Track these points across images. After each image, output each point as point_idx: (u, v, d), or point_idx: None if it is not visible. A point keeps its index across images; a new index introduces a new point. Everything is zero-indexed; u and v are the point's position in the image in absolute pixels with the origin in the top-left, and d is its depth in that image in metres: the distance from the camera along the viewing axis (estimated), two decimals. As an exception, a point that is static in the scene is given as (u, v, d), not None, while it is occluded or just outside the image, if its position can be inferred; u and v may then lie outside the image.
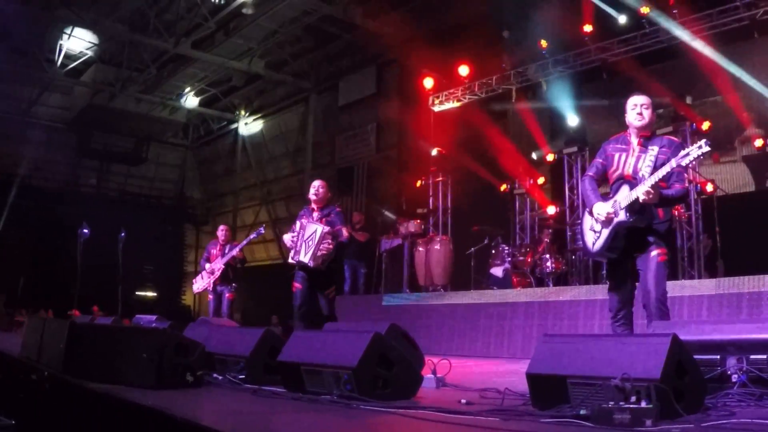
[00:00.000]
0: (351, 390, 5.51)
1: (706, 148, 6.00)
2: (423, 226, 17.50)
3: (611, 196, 6.72)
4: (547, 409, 4.80)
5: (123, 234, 17.19)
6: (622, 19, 16.07)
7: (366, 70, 25.02)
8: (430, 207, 18.37)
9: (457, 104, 19.30)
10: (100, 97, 29.86)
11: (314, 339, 6.41)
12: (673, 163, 6.20)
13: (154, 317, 12.36)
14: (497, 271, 15.19)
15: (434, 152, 18.98)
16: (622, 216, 6.50)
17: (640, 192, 6.29)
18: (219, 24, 23.65)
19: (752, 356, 5.41)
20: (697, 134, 14.43)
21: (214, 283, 14.30)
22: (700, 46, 14.97)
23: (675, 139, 6.73)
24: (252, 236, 14.49)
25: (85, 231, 17.82)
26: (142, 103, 31.15)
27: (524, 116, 18.26)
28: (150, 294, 33.44)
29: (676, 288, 11.01)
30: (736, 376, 5.45)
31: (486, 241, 16.00)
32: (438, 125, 19.71)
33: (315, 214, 10.09)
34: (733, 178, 15.69)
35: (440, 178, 18.34)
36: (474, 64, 18.83)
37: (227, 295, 14.40)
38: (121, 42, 26.10)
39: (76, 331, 6.77)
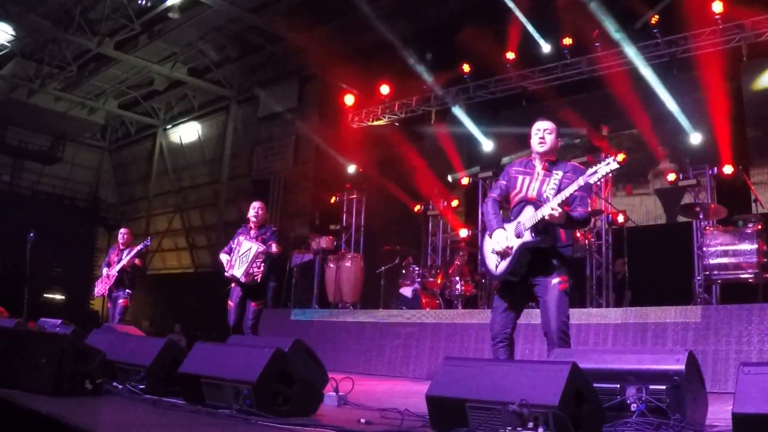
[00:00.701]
0: (250, 405, 5.50)
1: (615, 165, 6.05)
2: (335, 243, 17.49)
3: (513, 218, 6.71)
4: (446, 431, 4.82)
5: (32, 234, 16.90)
6: (547, 48, 16.25)
7: (288, 83, 24.98)
8: (344, 224, 18.36)
9: (376, 123, 19.37)
10: (18, 92, 29.39)
11: (216, 352, 6.38)
12: (580, 180, 6.18)
13: (59, 321, 12.15)
14: (407, 291, 15.21)
15: (351, 169, 19.03)
16: (527, 236, 6.46)
17: (547, 210, 6.28)
18: (144, 26, 23.47)
19: (651, 386, 5.47)
20: (611, 166, 14.63)
21: (110, 288, 14.00)
22: (618, 79, 15.26)
23: (579, 165, 6.71)
24: (139, 247, 14.14)
25: (-9, 229, 17.52)
26: (61, 102, 30.68)
27: (442, 139, 18.38)
28: (58, 297, 32.84)
29: (582, 315, 11.18)
30: (635, 405, 5.51)
31: (397, 261, 16.03)
32: (356, 143, 19.76)
33: (252, 232, 10.65)
34: (645, 210, 15.96)
35: (355, 196, 18.35)
36: (395, 84, 18.91)
37: (120, 301, 14.03)
38: (44, 38, 25.76)
39: (-26, 333, 6.65)
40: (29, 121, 31.92)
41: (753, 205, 12.47)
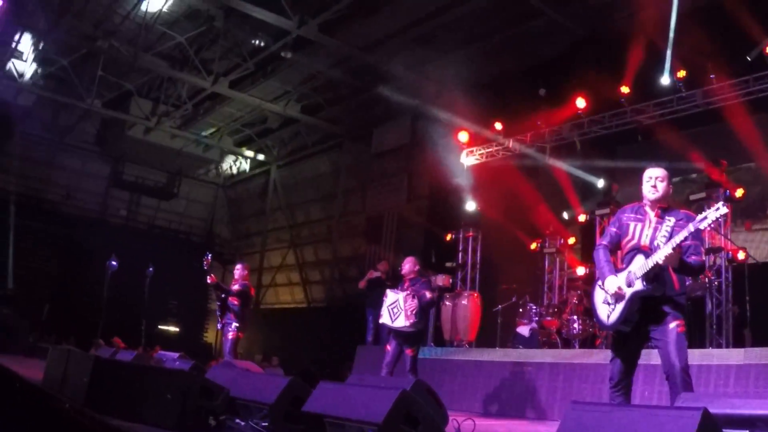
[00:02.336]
0: (375, 446, 5.48)
1: (724, 210, 5.99)
2: (451, 281, 17.45)
3: (624, 267, 6.66)
4: (573, 477, 4.76)
5: (151, 269, 17.22)
6: (665, 79, 15.98)
7: (400, 120, 25.05)
8: (459, 261, 18.31)
9: (490, 159, 19.30)
10: (136, 130, 30.10)
11: (340, 391, 6.39)
12: (691, 227, 6.15)
13: (177, 355, 12.33)
14: (524, 330, 15.12)
15: (466, 206, 18.94)
16: (638, 285, 6.41)
17: (661, 256, 6.24)
18: (257, 66, 23.82)
19: (781, 433, 5.34)
20: (731, 201, 14.37)
21: (223, 322, 14.17)
22: (735, 111, 14.97)
23: (692, 213, 6.63)
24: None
25: (114, 263, 17.92)
26: (177, 139, 31.34)
27: (557, 175, 18.18)
28: (173, 329, 33.38)
29: (703, 356, 10.93)
30: (765, 452, 5.38)
31: (514, 299, 15.92)
32: (471, 179, 19.70)
33: (405, 284, 11.30)
34: (766, 246, 15.57)
35: (471, 233, 18.30)
36: (509, 120, 18.83)
37: (229, 335, 14.15)
38: (159, 76, 26.36)
39: (100, 367, 6.76)
40: (146, 158, 32.66)
41: None
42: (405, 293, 10.84)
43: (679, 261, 6.29)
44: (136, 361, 10.45)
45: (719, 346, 12.75)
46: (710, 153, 15.41)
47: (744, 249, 13.76)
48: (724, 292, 13.72)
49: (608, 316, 6.68)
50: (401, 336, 10.90)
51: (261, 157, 33.33)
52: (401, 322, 10.65)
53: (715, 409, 5.25)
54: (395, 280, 18.12)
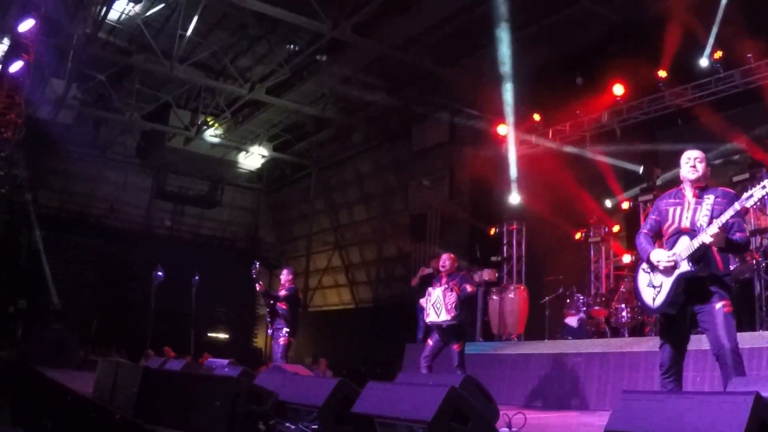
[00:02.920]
0: (425, 444, 5.47)
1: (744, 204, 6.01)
2: (497, 275, 17.44)
3: (668, 250, 6.62)
4: (626, 467, 4.73)
5: (197, 278, 17.35)
6: (704, 61, 15.83)
7: (439, 116, 25.02)
8: (504, 255, 18.30)
9: (530, 151, 19.26)
10: (176, 140, 30.30)
11: (389, 391, 6.38)
12: (737, 205, 6.15)
13: (226, 362, 12.41)
14: (572, 321, 15.07)
15: (509, 199, 18.91)
16: (684, 266, 6.39)
17: (705, 237, 6.22)
18: (293, 70, 23.88)
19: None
20: (776, 179, 14.23)
21: (273, 327, 14.35)
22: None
23: (730, 190, 6.64)
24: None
25: (159, 274, 18.07)
26: (217, 147, 31.49)
27: (598, 163, 18.09)
28: (222, 336, 33.58)
29: (754, 339, 10.84)
30: (821, 435, 5.31)
31: (560, 291, 15.88)
32: (512, 172, 19.67)
33: (443, 280, 11.19)
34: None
35: (514, 226, 18.29)
36: (547, 111, 18.79)
37: (280, 340, 14.31)
38: (197, 86, 26.52)
39: (149, 377, 6.80)
40: (187, 168, 32.89)
41: None
42: (443, 287, 10.90)
43: (725, 240, 6.26)
44: (185, 370, 10.51)
45: (771, 328, 12.64)
46: (752, 133, 15.29)
47: (792, 228, 13.61)
48: (776, 272, 13.61)
49: (653, 299, 6.64)
50: (445, 331, 10.90)
51: (302, 161, 33.41)
52: (443, 316, 10.69)
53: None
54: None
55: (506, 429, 6.98)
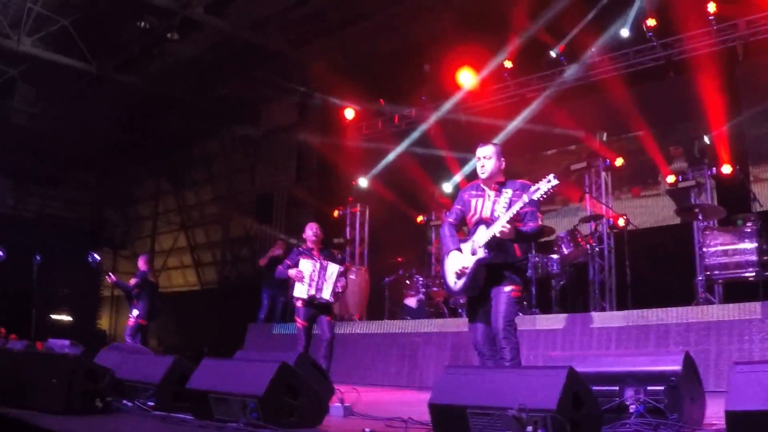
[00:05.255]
0: (257, 418, 5.57)
1: (555, 182, 6.37)
2: (339, 256, 17.58)
3: (469, 238, 6.96)
4: (449, 438, 4.92)
5: (38, 258, 17.04)
6: (552, 53, 16.19)
7: (288, 98, 24.94)
8: (347, 237, 18.45)
9: (376, 136, 19.46)
10: (21, 117, 29.40)
11: (223, 367, 6.47)
12: (525, 198, 6.53)
13: (67, 342, 12.28)
14: (411, 302, 15.27)
15: (354, 183, 19.08)
16: (481, 253, 6.74)
17: (497, 228, 6.59)
18: (143, 48, 23.47)
19: (649, 387, 5.56)
20: (610, 170, 14.79)
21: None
22: (616, 83, 15.37)
23: (528, 182, 6.90)
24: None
25: (0, 254, 17.68)
26: (61, 124, 30.63)
27: (440, 148, 18.36)
28: (65, 318, 32.77)
29: (586, 319, 11.26)
30: (633, 406, 5.60)
31: (401, 272, 16.08)
32: (357, 156, 19.85)
33: (315, 253, 10.73)
34: (656, 211, 15.92)
35: (357, 209, 18.44)
36: (394, 96, 18.99)
37: (129, 321, 14.82)
38: (45, 62, 25.83)
39: (-15, 356, 6.75)
40: (30, 145, 31.96)
41: (752, 204, 12.49)
42: (339, 269, 10.48)
43: (515, 232, 6.62)
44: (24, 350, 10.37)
45: (602, 310, 13.09)
46: (590, 124, 15.77)
47: (624, 215, 14.07)
48: (606, 258, 14.11)
49: (455, 283, 7.02)
50: (318, 306, 10.44)
51: (149, 140, 32.70)
52: (326, 295, 10.32)
53: (583, 368, 5.49)
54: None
55: (339, 404, 7.11)
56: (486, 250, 6.70)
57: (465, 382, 5.20)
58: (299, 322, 10.47)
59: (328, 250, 11.20)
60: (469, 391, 5.06)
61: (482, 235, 6.76)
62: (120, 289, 15.04)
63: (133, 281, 15.36)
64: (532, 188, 6.52)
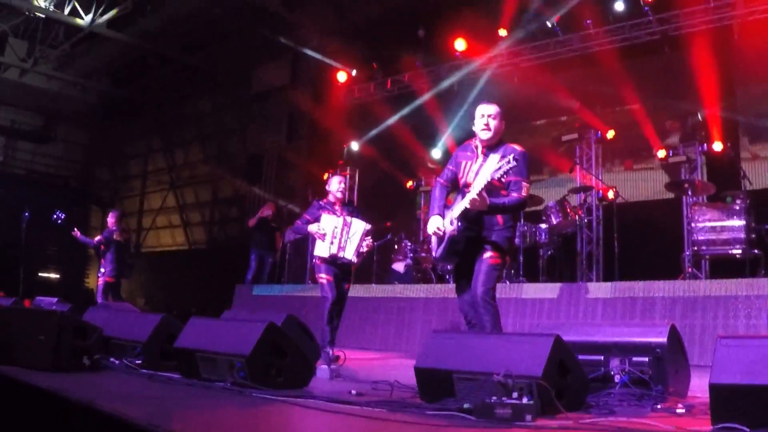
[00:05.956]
0: (244, 377, 5.61)
1: (513, 163, 6.09)
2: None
3: (454, 204, 6.80)
4: (434, 402, 4.96)
5: (27, 214, 17.03)
6: (548, 23, 16.15)
7: (281, 60, 24.87)
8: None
9: (368, 100, 19.44)
10: (11, 72, 29.22)
11: (211, 326, 6.49)
12: (488, 175, 6.24)
13: (55, 300, 12.29)
14: (399, 267, 15.32)
15: (345, 146, 19.10)
16: (453, 226, 6.60)
17: (467, 200, 6.40)
18: (136, 4, 23.32)
19: (634, 358, 5.63)
20: (602, 142, 14.83)
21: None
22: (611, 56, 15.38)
23: (519, 148, 6.69)
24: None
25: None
26: (54, 80, 30.52)
27: (432, 115, 18.36)
28: (53, 275, 32.75)
29: (573, 289, 11.33)
30: (618, 376, 5.65)
31: (389, 237, 16.11)
32: (349, 119, 19.86)
33: (341, 209, 9.78)
34: (647, 185, 15.97)
35: (347, 172, 18.44)
36: (388, 61, 18.96)
37: (99, 280, 14.93)
38: (36, 17, 25.64)
39: (-28, 312, 6.75)
40: (22, 101, 31.81)
41: (742, 182, 12.54)
42: (366, 227, 9.61)
43: (489, 205, 6.41)
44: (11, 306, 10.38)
45: (589, 281, 13.15)
46: (585, 96, 15.78)
47: (614, 188, 14.11)
48: (595, 229, 14.16)
49: (435, 250, 6.95)
50: (341, 267, 9.53)
51: (140, 97, 32.61)
52: (350, 255, 9.41)
53: (570, 336, 5.54)
54: (280, 222, 18.26)
55: (326, 366, 7.15)
56: (459, 223, 6.56)
57: (451, 347, 5.23)
58: (323, 277, 9.41)
59: (352, 205, 10.40)
60: (455, 356, 5.10)
61: (458, 206, 6.60)
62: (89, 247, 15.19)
63: (97, 238, 15.40)
64: (495, 167, 6.20)
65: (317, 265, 9.55)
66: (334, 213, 9.60)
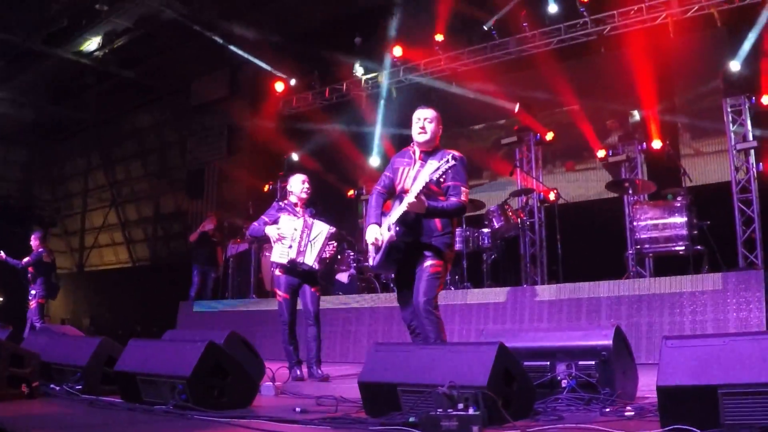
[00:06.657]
0: (186, 400, 5.50)
1: (452, 162, 6.08)
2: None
3: (390, 211, 6.70)
4: (379, 416, 4.88)
5: (-35, 237, 16.84)
6: (487, 26, 16.17)
7: (219, 72, 24.75)
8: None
9: (307, 109, 19.41)
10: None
11: (151, 348, 6.37)
12: (426, 177, 6.19)
13: (-6, 323, 12.16)
14: (342, 277, 15.23)
15: (285, 157, 19.02)
16: (391, 232, 6.50)
17: (405, 204, 6.31)
18: (71, 19, 23.07)
19: (581, 362, 5.58)
20: (541, 144, 14.89)
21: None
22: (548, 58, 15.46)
23: (457, 153, 6.55)
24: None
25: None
26: (-10, 100, 30.15)
27: (372, 124, 18.37)
28: (-6, 298, 32.40)
29: (518, 293, 11.33)
30: (565, 381, 5.61)
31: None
32: (289, 130, 19.81)
33: (303, 210, 9.46)
34: (589, 185, 16.05)
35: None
36: (326, 70, 18.95)
37: (31, 303, 14.83)
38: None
39: None
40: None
41: (682, 179, 12.64)
42: (328, 228, 9.24)
43: (427, 208, 6.35)
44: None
45: (534, 284, 13.17)
46: (523, 99, 15.80)
47: (555, 189, 14.15)
48: (537, 231, 14.20)
49: (372, 259, 6.85)
50: (302, 274, 9.08)
51: (79, 113, 32.26)
52: (309, 260, 8.96)
53: (514, 343, 5.50)
54: (222, 235, 18.09)
55: (270, 383, 7.04)
56: (396, 228, 6.46)
57: (395, 359, 5.17)
58: (279, 294, 9.11)
59: (316, 207, 9.78)
60: (399, 369, 5.03)
61: (396, 211, 6.50)
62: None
63: (25, 260, 15.27)
64: (433, 168, 6.16)
65: (276, 277, 9.19)
66: (295, 214, 9.24)
